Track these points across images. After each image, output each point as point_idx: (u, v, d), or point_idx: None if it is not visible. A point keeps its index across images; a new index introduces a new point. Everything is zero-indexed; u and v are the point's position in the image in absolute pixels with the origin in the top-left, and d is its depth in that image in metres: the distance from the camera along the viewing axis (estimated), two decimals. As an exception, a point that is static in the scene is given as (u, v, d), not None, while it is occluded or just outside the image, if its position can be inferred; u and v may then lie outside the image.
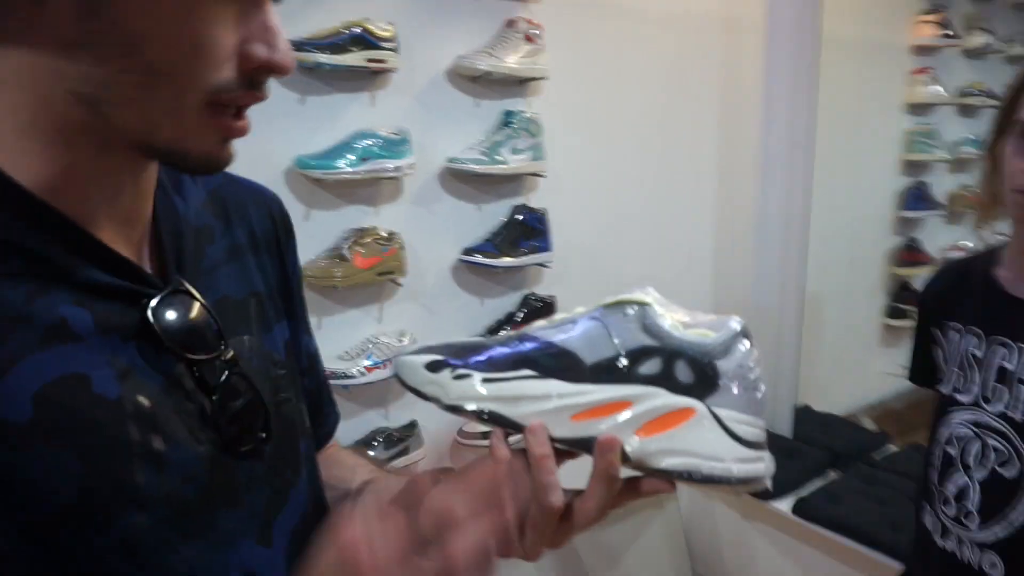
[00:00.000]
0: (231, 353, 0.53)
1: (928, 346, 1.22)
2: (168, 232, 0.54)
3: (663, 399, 0.50)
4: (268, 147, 1.56)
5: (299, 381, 0.65)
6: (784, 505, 2.20)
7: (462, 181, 1.86)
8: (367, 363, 1.68)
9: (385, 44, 1.61)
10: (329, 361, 1.63)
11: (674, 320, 0.54)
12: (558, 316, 0.56)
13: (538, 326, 0.55)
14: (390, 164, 1.65)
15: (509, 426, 0.51)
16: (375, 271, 1.66)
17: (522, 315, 1.96)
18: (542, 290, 2.05)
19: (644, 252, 2.31)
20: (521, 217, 1.90)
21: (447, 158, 1.79)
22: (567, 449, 0.51)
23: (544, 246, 1.95)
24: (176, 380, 0.50)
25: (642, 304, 0.54)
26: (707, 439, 0.50)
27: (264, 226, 0.65)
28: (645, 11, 2.17)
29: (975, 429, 1.11)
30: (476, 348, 0.54)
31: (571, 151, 2.06)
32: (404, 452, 1.79)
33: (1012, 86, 1.05)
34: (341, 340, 1.71)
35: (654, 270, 2.34)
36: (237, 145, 0.50)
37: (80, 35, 0.42)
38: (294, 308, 0.68)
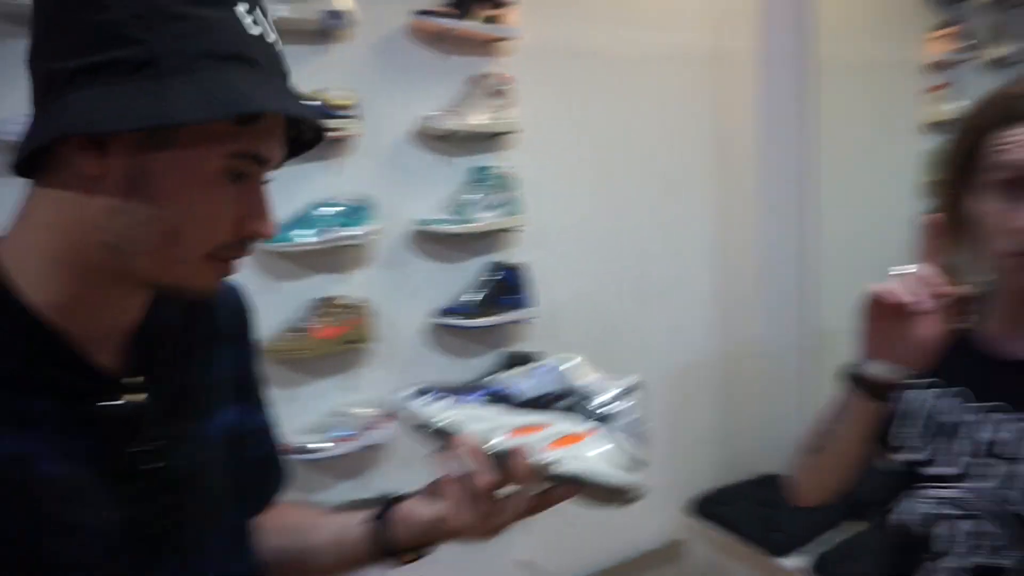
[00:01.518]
0: (164, 441, 0.62)
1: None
2: (142, 332, 0.64)
3: (569, 424, 0.71)
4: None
5: (236, 460, 0.72)
6: (800, 562, 2.07)
7: (434, 242, 1.82)
8: (337, 435, 1.65)
9: (344, 113, 1.60)
10: (298, 434, 1.61)
11: (588, 376, 0.74)
12: (514, 370, 0.76)
13: (494, 376, 0.76)
14: (351, 231, 1.62)
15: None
16: (340, 341, 1.63)
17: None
18: (529, 346, 1.99)
19: (641, 299, 2.23)
20: (498, 274, 1.85)
21: (416, 220, 1.76)
22: (500, 456, 0.68)
23: (524, 302, 1.89)
24: (112, 464, 0.59)
25: (563, 362, 0.75)
26: (597, 453, 0.70)
27: (225, 318, 0.74)
28: (625, 54, 2.11)
29: (954, 509, 0.99)
30: (454, 387, 0.74)
31: (555, 201, 2.00)
32: (384, 523, 1.75)
33: (969, 128, 0.94)
34: (311, 412, 1.68)
35: (652, 316, 2.26)
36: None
37: (123, 201, 0.54)
38: (248, 391, 0.77)
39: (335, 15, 1.58)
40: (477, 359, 1.92)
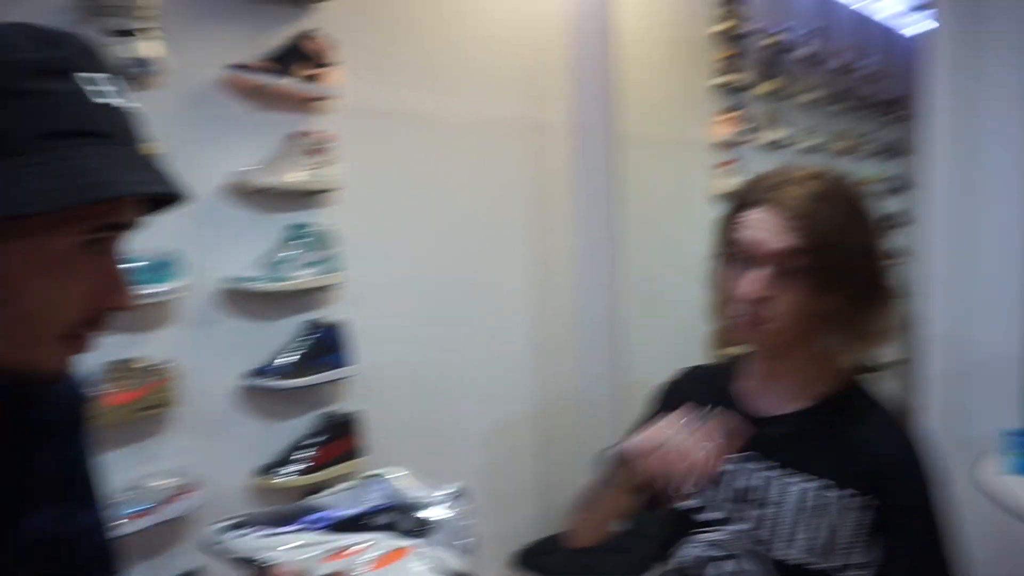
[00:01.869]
0: None
1: None
2: None
3: (389, 542, 0.71)
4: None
5: (56, 565, 0.67)
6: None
7: (248, 300, 1.76)
8: (132, 511, 1.51)
9: (147, 163, 1.51)
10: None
11: (413, 487, 0.75)
12: (334, 488, 0.77)
13: (313, 497, 0.75)
14: (155, 288, 1.53)
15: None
16: (135, 407, 1.51)
17: (324, 437, 1.84)
18: (351, 405, 1.95)
19: (462, 356, 2.27)
20: (316, 333, 1.81)
21: (227, 278, 1.69)
22: None
23: (343, 361, 1.86)
24: None
25: (384, 476, 0.75)
26: (416, 570, 0.69)
27: (56, 410, 0.70)
28: (447, 119, 2.20)
29: (717, 551, 1.09)
30: (270, 517, 0.73)
31: (376, 260, 2.01)
32: (183, 605, 1.61)
33: (727, 208, 1.04)
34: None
35: (472, 374, 2.30)
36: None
37: None
38: (76, 488, 0.72)
39: (142, 62, 1.51)
40: (292, 421, 1.85)
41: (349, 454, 1.87)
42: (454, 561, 0.72)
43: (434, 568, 0.70)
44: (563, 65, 2.57)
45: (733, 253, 1.00)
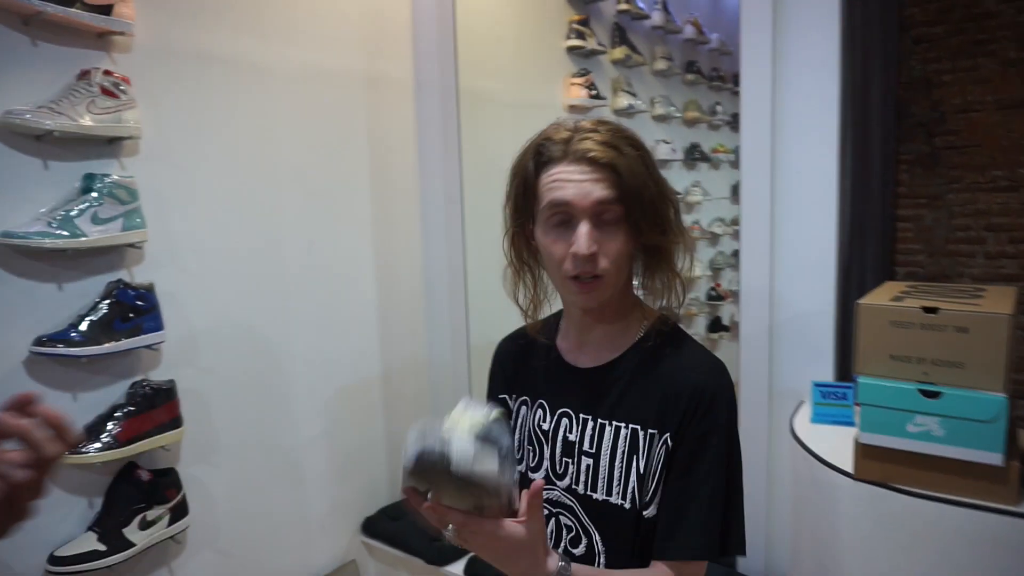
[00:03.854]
0: None
1: None
2: None
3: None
4: None
5: None
6: (459, 567, 2.15)
7: (35, 258, 1.57)
8: None
9: None
10: None
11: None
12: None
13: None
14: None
15: None
16: None
17: (133, 408, 1.69)
18: (159, 374, 1.80)
19: (299, 319, 2.16)
20: (114, 296, 1.64)
21: (2, 232, 1.49)
22: None
23: (152, 326, 1.71)
24: None
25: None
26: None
27: None
28: (276, 68, 2.05)
29: (548, 508, 1.08)
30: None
31: (190, 216, 1.85)
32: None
33: (518, 170, 1.02)
34: None
35: (311, 337, 2.20)
36: None
37: None
38: None
39: None
40: (95, 393, 1.68)
41: (162, 427, 1.73)
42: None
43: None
44: (405, 19, 2.47)
45: (553, 214, 0.98)
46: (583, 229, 0.94)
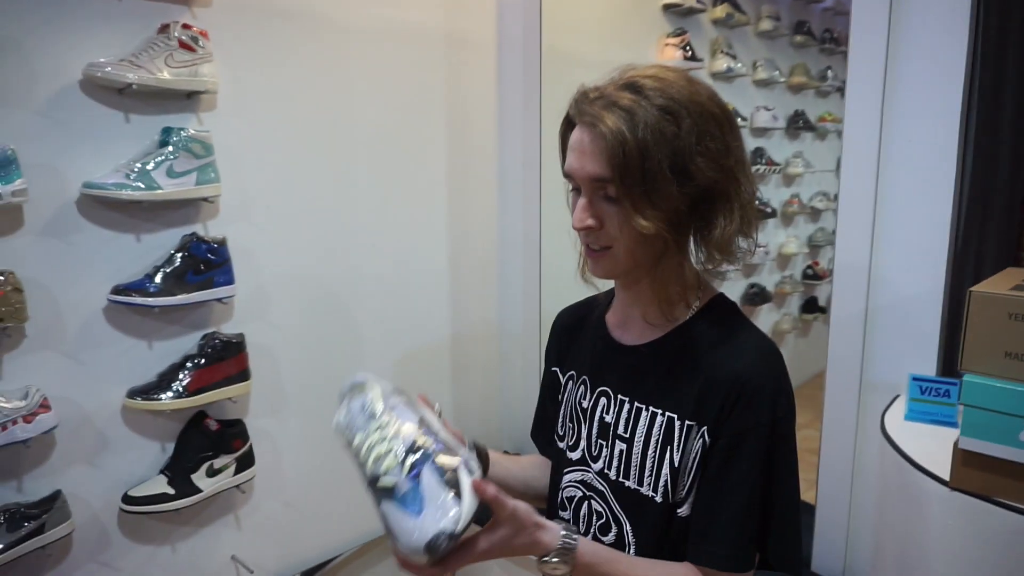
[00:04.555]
0: None
1: (554, 396, 1.13)
2: None
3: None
4: None
5: None
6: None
7: (114, 209, 1.61)
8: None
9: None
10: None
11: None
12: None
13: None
14: (-10, 190, 1.37)
15: None
16: (-32, 320, 1.37)
17: (203, 359, 1.73)
18: (231, 327, 1.83)
19: (369, 280, 2.15)
20: (188, 249, 1.67)
21: (83, 183, 1.54)
22: None
23: (224, 280, 1.73)
24: None
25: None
26: None
27: None
28: (350, 24, 2.01)
29: (582, 490, 1.02)
30: None
31: (264, 172, 1.86)
32: (39, 531, 1.51)
33: (562, 128, 0.94)
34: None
35: (380, 299, 2.19)
36: None
37: None
38: None
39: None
40: (169, 342, 1.73)
41: (230, 379, 1.77)
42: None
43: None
44: (491, -27, 2.38)
45: (568, 181, 0.92)
46: (580, 202, 0.88)
